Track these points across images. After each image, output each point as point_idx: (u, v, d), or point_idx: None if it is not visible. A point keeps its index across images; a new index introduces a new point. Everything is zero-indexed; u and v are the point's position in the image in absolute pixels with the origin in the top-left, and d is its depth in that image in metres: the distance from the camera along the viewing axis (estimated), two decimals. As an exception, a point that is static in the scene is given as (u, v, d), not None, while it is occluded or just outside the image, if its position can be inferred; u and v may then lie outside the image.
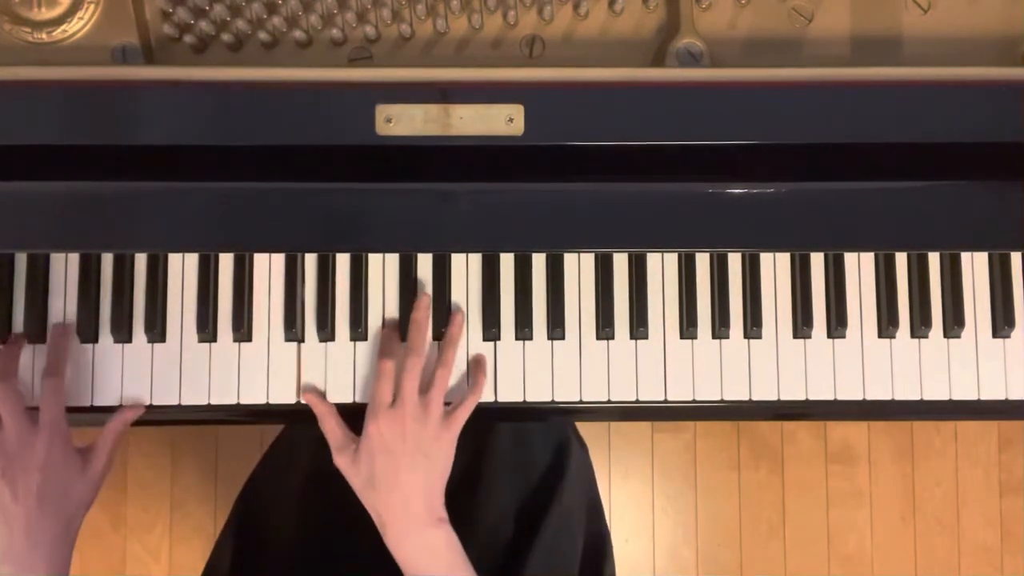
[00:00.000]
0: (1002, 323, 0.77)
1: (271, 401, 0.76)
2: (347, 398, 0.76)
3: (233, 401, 0.75)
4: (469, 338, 0.77)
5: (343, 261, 0.77)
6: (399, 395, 0.70)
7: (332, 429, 0.73)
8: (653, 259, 0.78)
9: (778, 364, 0.77)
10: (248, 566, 0.82)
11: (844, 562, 1.71)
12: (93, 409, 0.75)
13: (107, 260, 0.77)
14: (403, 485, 0.67)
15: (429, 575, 0.66)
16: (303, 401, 0.75)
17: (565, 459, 0.88)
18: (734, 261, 0.78)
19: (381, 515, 0.68)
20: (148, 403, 0.75)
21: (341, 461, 0.71)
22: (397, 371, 0.71)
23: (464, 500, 0.82)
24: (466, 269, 0.77)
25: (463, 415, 0.72)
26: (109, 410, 0.75)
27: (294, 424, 0.92)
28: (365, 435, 0.69)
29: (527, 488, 0.86)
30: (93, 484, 0.71)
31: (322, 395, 0.75)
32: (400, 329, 0.76)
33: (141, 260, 0.76)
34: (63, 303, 0.76)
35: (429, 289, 0.77)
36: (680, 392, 0.75)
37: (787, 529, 1.71)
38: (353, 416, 0.74)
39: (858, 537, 1.72)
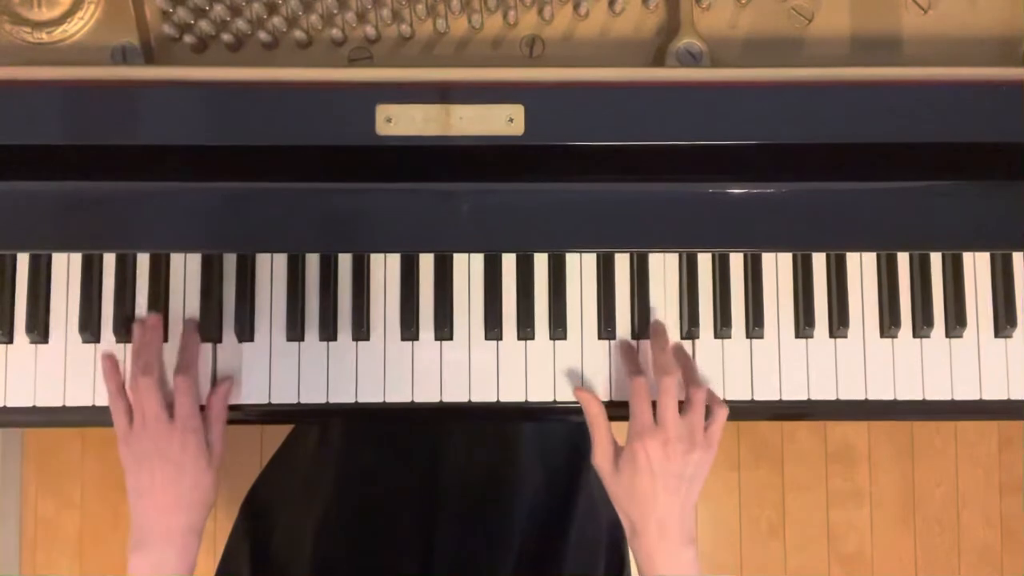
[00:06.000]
0: (1004, 323, 0.77)
1: (272, 401, 0.76)
2: (349, 398, 0.76)
3: (236, 401, 0.76)
4: (471, 337, 0.77)
5: (345, 261, 0.77)
6: (661, 417, 0.69)
7: (601, 432, 0.73)
8: (655, 259, 0.78)
9: (780, 364, 0.77)
10: (266, 565, 0.82)
11: (844, 562, 1.71)
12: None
13: (109, 260, 0.76)
14: (661, 506, 0.68)
15: None
16: (576, 397, 0.75)
17: (585, 443, 0.89)
18: (736, 261, 0.78)
19: (635, 525, 0.69)
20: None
21: (603, 466, 0.72)
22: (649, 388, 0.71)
23: (496, 495, 0.83)
24: (468, 269, 0.77)
25: (719, 431, 0.72)
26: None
27: (301, 423, 0.92)
28: (630, 452, 0.69)
29: (553, 476, 0.87)
30: (217, 471, 0.73)
31: (594, 396, 0.75)
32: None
33: (144, 260, 0.76)
34: (65, 302, 0.76)
35: (431, 289, 0.77)
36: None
37: (787, 529, 1.71)
38: (355, 416, 0.73)
39: (858, 537, 1.72)
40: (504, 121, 0.65)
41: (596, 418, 0.73)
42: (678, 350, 0.77)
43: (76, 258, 0.76)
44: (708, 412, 0.72)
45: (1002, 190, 0.68)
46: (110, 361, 0.74)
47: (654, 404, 0.70)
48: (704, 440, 0.70)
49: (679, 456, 0.68)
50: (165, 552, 0.68)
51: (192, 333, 0.75)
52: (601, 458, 0.72)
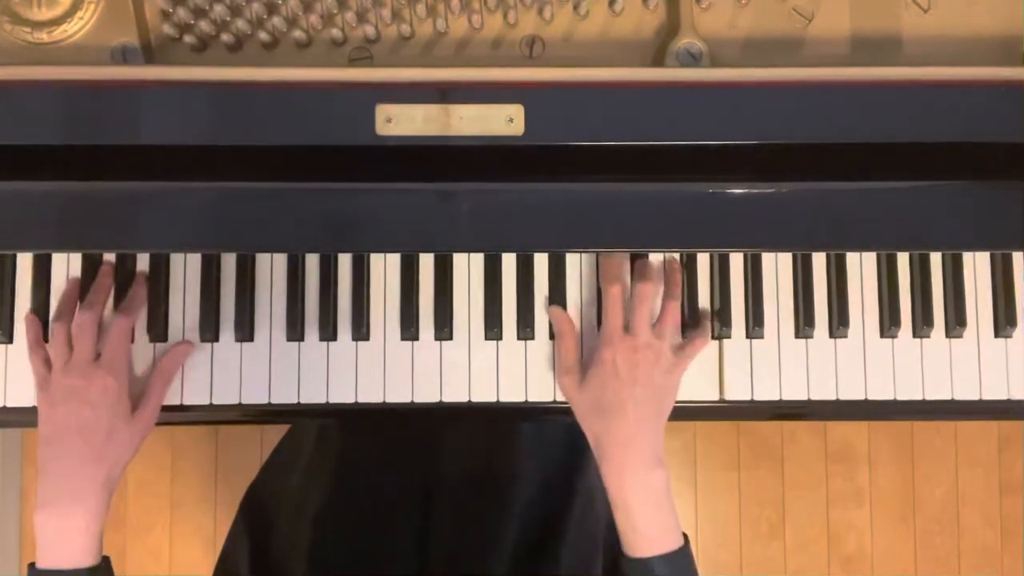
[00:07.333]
0: (1004, 323, 0.77)
1: (272, 401, 0.76)
2: (349, 398, 0.76)
3: (235, 401, 0.75)
4: (471, 337, 0.77)
5: (345, 261, 0.77)
6: (633, 324, 0.69)
7: (569, 348, 0.72)
8: (654, 259, 0.77)
9: (780, 364, 0.77)
10: (264, 563, 0.82)
11: (844, 562, 1.71)
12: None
13: (109, 260, 0.76)
14: (630, 418, 0.66)
15: (640, 513, 0.66)
16: (549, 312, 0.75)
17: (582, 442, 0.90)
18: (736, 261, 0.78)
19: (603, 444, 0.67)
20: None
21: (566, 382, 0.71)
22: (625, 297, 0.70)
23: (493, 495, 0.83)
24: (468, 269, 0.77)
25: (692, 355, 0.72)
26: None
27: (298, 423, 0.92)
28: (598, 360, 0.69)
29: (551, 476, 0.87)
30: (140, 431, 0.70)
31: (566, 313, 0.74)
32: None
33: (144, 260, 0.76)
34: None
35: (431, 289, 0.77)
36: (681, 392, 0.74)
37: (787, 529, 1.71)
38: (355, 416, 0.73)
39: (858, 537, 1.72)
40: (504, 121, 0.65)
41: (565, 333, 0.72)
42: (670, 264, 0.76)
43: (76, 258, 0.76)
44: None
45: (1002, 190, 0.68)
46: (30, 316, 0.74)
47: None
48: (675, 357, 0.70)
49: (648, 364, 0.67)
50: (73, 509, 0.63)
51: (141, 285, 0.74)
52: (566, 374, 0.71)
